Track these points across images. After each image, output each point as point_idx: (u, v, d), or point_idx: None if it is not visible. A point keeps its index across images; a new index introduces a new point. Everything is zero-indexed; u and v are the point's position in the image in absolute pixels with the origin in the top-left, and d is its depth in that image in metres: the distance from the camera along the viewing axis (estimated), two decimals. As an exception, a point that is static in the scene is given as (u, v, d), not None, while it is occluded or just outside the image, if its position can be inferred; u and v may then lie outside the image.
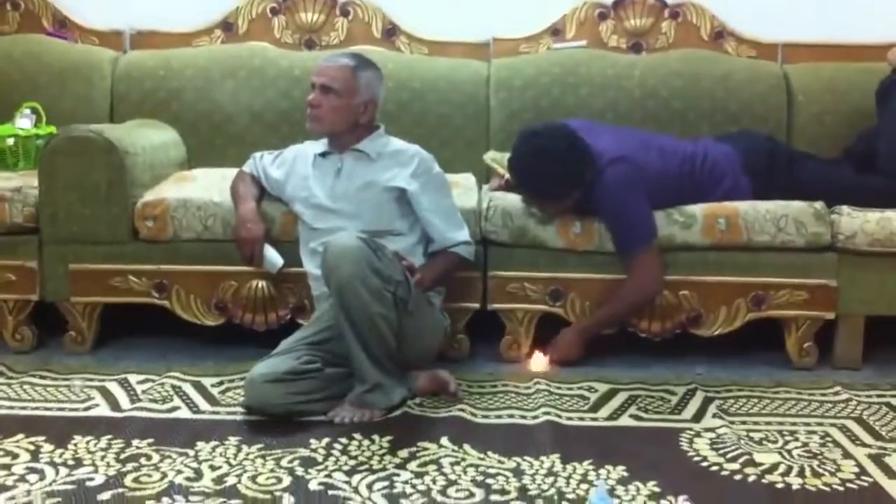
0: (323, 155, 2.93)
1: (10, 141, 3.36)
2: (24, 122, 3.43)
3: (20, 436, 2.44)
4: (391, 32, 3.88)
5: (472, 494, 2.19)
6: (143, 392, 2.76)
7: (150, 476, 2.25)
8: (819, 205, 3.05)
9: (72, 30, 3.92)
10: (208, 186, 3.15)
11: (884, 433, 2.56)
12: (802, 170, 3.20)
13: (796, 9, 3.82)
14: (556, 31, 3.88)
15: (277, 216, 3.00)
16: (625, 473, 2.29)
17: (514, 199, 3.07)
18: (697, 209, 3.04)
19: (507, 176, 3.13)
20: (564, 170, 2.95)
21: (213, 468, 2.29)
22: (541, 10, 3.88)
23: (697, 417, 2.65)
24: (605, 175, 2.97)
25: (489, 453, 2.39)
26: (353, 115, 2.86)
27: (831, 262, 3.04)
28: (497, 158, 3.29)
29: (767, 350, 3.14)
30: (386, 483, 2.24)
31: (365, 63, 2.92)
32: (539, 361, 3.04)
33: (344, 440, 2.45)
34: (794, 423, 2.62)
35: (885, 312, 3.08)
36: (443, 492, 2.20)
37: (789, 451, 2.44)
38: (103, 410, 2.64)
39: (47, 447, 2.38)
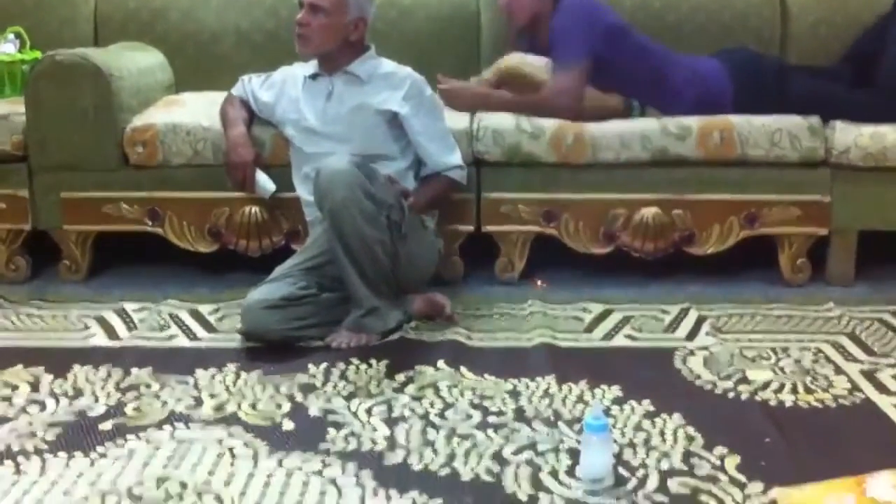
0: (313, 77, 2.89)
1: (-4, 70, 3.31)
2: (7, 48, 3.37)
3: (19, 366, 2.46)
4: (379, -53, 3.79)
5: (469, 416, 2.22)
6: (140, 320, 2.77)
7: (150, 405, 2.27)
8: (814, 119, 3.03)
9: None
10: (197, 111, 3.12)
11: (876, 349, 2.59)
12: (794, 84, 3.17)
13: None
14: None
15: (267, 139, 2.98)
16: (619, 393, 2.32)
17: (505, 118, 3.04)
18: (692, 121, 3.02)
19: (500, 64, 3.14)
20: None
21: (212, 396, 2.32)
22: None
23: (691, 336, 2.68)
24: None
25: (485, 375, 2.42)
26: (342, 34, 2.81)
27: (824, 178, 3.04)
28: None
29: (761, 268, 3.15)
30: (384, 407, 2.27)
31: (354, -20, 2.85)
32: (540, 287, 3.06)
33: (342, 365, 2.48)
34: (786, 340, 2.65)
35: (878, 227, 3.09)
36: (441, 414, 2.23)
37: (782, 368, 2.47)
38: (101, 340, 2.65)
39: (47, 377, 2.40)
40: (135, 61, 3.28)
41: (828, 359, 2.52)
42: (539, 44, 3.17)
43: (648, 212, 3.03)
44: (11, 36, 3.39)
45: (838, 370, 2.45)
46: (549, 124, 3.01)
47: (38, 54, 3.31)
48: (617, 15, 3.19)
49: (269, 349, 2.55)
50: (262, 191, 2.90)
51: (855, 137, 3.00)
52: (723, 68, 3.16)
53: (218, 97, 3.09)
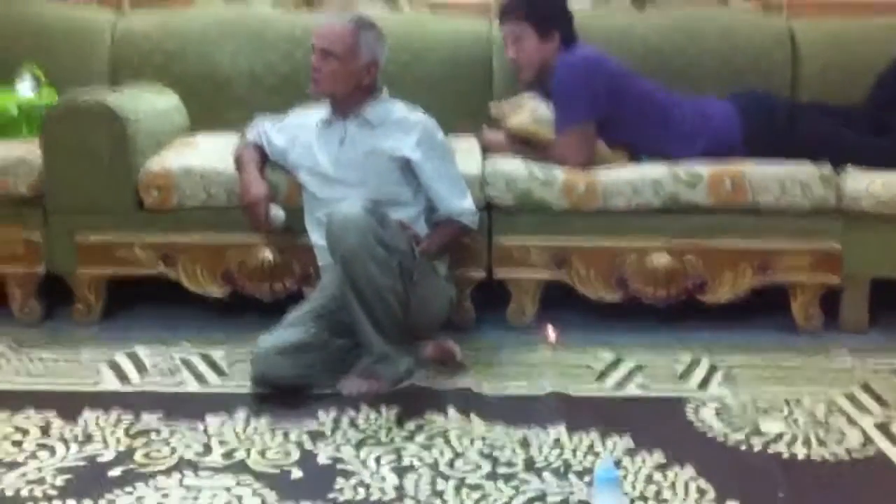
0: (326, 122, 2.91)
1: (14, 111, 3.32)
2: (24, 87, 3.39)
3: (30, 411, 2.47)
4: (392, -9, 3.83)
5: (479, 467, 2.22)
6: (152, 365, 2.77)
7: (159, 451, 2.28)
8: (826, 167, 3.02)
9: (70, -9, 3.87)
10: (211, 153, 3.13)
11: (889, 400, 2.57)
12: (806, 126, 3.16)
13: (801, -38, 3.76)
14: (560, -12, 3.82)
15: (281, 183, 2.99)
16: (631, 444, 2.32)
17: (516, 164, 3.06)
18: (703, 169, 3.02)
19: (510, 122, 3.15)
20: (555, 4, 3.22)
21: (221, 443, 2.32)
22: (545, -33, 3.81)
23: (703, 386, 2.67)
24: (567, 52, 3.12)
25: (496, 424, 2.41)
26: (354, 78, 2.83)
27: (836, 226, 3.03)
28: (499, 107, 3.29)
29: (773, 315, 3.14)
30: (394, 456, 2.26)
31: (366, 24, 2.88)
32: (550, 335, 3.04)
33: (352, 412, 2.48)
34: (799, 391, 2.63)
35: (891, 275, 3.08)
36: (450, 464, 2.23)
37: (795, 420, 2.46)
38: (112, 384, 2.66)
39: (57, 422, 2.41)
40: (151, 103, 3.31)
41: (841, 411, 2.51)
42: (550, 91, 3.17)
43: (660, 258, 3.02)
44: (27, 75, 3.41)
45: (851, 422, 2.44)
46: (560, 172, 3.02)
47: (54, 96, 3.34)
48: (619, 65, 3.19)
49: (279, 395, 2.55)
50: (274, 220, 2.89)
51: (867, 185, 3.00)
52: (733, 109, 3.17)
53: (232, 138, 3.12)
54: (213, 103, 3.57)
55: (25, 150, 3.07)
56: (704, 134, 3.14)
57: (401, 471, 2.20)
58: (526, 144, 3.12)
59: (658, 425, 2.44)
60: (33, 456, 2.24)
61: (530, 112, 3.13)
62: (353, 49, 2.81)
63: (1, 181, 3.00)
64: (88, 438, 2.33)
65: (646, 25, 3.62)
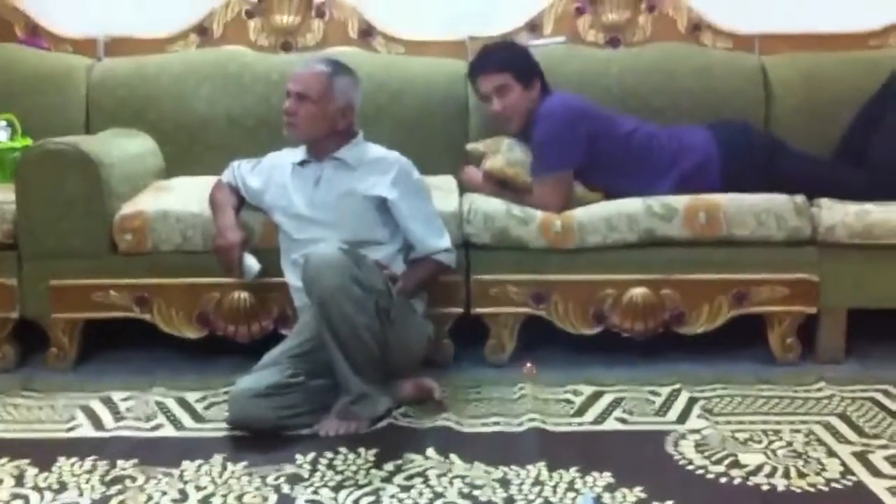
0: (301, 164, 2.92)
1: (-14, 155, 3.33)
2: (-1, 135, 3.40)
3: (4, 459, 2.43)
4: (367, 33, 3.86)
5: (458, 507, 2.20)
6: (127, 409, 2.74)
7: (135, 499, 2.24)
8: (800, 198, 3.05)
9: (44, 37, 3.88)
10: (186, 197, 3.13)
11: (867, 430, 2.57)
12: (784, 159, 3.20)
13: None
14: (533, 27, 3.87)
15: (257, 225, 2.99)
16: (611, 480, 2.30)
17: (494, 202, 3.07)
18: (678, 202, 3.04)
19: (486, 165, 3.15)
20: (518, 51, 3.30)
21: (198, 488, 2.29)
22: (518, 6, 3.86)
23: (682, 418, 2.66)
24: (547, 100, 3.18)
25: (476, 463, 2.39)
26: (329, 121, 2.85)
27: (811, 257, 3.05)
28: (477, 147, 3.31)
29: (750, 346, 3.15)
30: (373, 498, 2.24)
31: (340, 69, 2.90)
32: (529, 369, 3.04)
33: (329, 454, 2.45)
34: (778, 422, 2.63)
35: (867, 305, 3.09)
36: (429, 505, 2.21)
37: (774, 451, 2.45)
38: (87, 430, 2.62)
39: (32, 470, 2.37)
40: (125, 148, 3.31)
41: (820, 441, 2.50)
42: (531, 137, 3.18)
43: (637, 292, 3.03)
44: (3, 123, 3.43)
45: (830, 453, 2.44)
46: (537, 210, 3.04)
47: (28, 142, 3.34)
48: (598, 111, 3.22)
49: (256, 438, 2.52)
50: (248, 273, 2.88)
51: (842, 216, 3.02)
52: (711, 138, 3.20)
53: (208, 182, 3.11)
54: (189, 147, 3.58)
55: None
56: (681, 165, 3.16)
57: (380, 513, 2.18)
58: (502, 186, 3.13)
59: (638, 459, 2.43)
60: (7, 505, 2.22)
61: (506, 154, 3.15)
62: (327, 93, 2.82)
63: (-26, 227, 2.99)
64: (63, 486, 2.29)
65: (620, 65, 3.66)
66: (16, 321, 3.07)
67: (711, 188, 3.12)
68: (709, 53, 3.77)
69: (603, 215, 3.02)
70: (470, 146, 3.35)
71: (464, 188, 3.24)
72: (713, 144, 3.19)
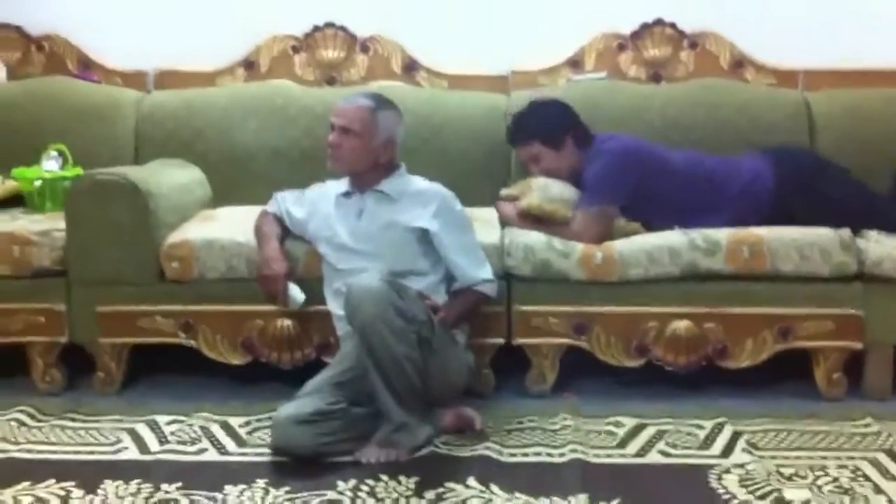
0: (345, 195, 2.95)
1: (38, 183, 3.40)
2: (50, 165, 3.47)
3: (51, 481, 2.46)
4: (411, 67, 3.92)
5: (499, 537, 2.19)
6: (172, 433, 2.77)
7: (179, 521, 2.26)
8: (845, 233, 3.02)
9: (96, 71, 3.98)
10: (232, 226, 3.17)
11: (915, 467, 2.53)
12: (836, 184, 3.19)
13: (816, 35, 3.82)
14: (574, 63, 3.91)
15: (301, 255, 3.02)
16: (653, 513, 2.28)
17: (535, 235, 3.07)
18: (721, 236, 3.02)
19: (522, 204, 3.16)
20: (544, 115, 3.28)
21: (241, 513, 2.30)
22: (559, 42, 3.90)
23: (726, 453, 2.63)
24: (603, 140, 3.22)
25: (516, 493, 2.39)
26: (372, 155, 2.88)
27: (857, 292, 3.02)
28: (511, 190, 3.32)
29: (796, 381, 3.11)
30: (413, 526, 2.24)
31: (383, 103, 2.94)
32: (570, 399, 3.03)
33: (371, 481, 2.46)
34: (824, 457, 2.60)
35: (913, 341, 3.06)
36: (470, 534, 2.20)
37: (819, 487, 2.42)
38: (132, 453, 2.65)
39: (77, 493, 2.40)
40: (173, 178, 3.37)
41: (867, 477, 2.47)
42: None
43: (680, 325, 3.02)
44: (54, 153, 3.50)
45: (878, 489, 2.40)
46: (578, 244, 3.04)
47: (79, 171, 3.41)
48: (655, 151, 3.24)
49: (298, 464, 2.54)
50: (292, 302, 2.92)
51: (889, 250, 2.99)
52: (764, 158, 3.23)
53: (253, 212, 3.15)
54: (235, 178, 3.63)
55: (50, 225, 3.13)
56: (729, 199, 3.16)
57: (420, 541, 2.18)
58: (539, 222, 3.13)
59: (681, 493, 2.41)
60: (52, 526, 2.24)
61: (542, 192, 3.16)
62: (371, 127, 2.86)
63: (26, 253, 3.05)
64: (108, 509, 2.33)
65: (663, 98, 3.67)
66: (64, 345, 3.12)
67: (765, 204, 3.13)
68: (751, 88, 3.77)
69: (645, 248, 3.02)
70: (504, 192, 3.34)
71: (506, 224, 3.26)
72: (764, 163, 3.21)
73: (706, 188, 3.18)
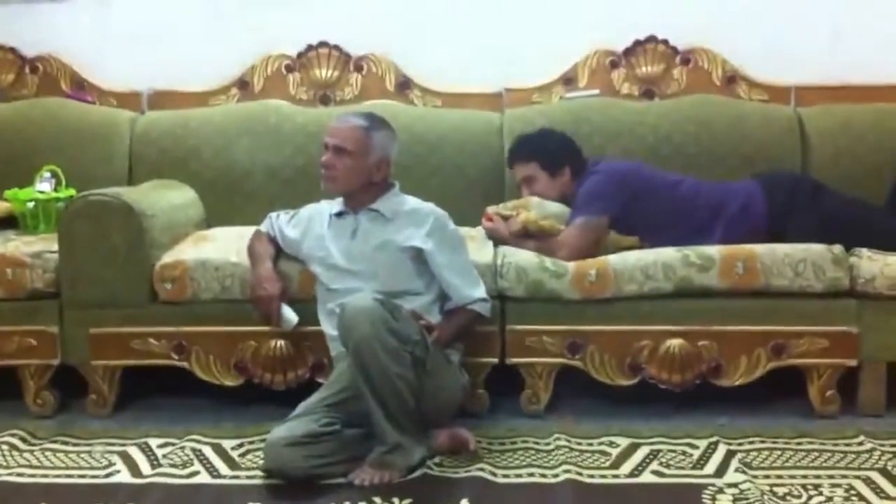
0: (338, 215, 2.95)
1: (31, 204, 3.40)
2: (44, 186, 3.48)
3: (42, 504, 2.46)
4: (404, 85, 3.92)
5: (493, 559, 2.18)
6: (164, 456, 2.76)
7: (170, 546, 2.25)
8: (837, 248, 3.02)
9: (90, 91, 3.98)
10: (226, 246, 3.17)
11: (909, 485, 2.52)
12: (828, 203, 3.20)
13: (808, 51, 3.82)
14: (568, 80, 3.91)
15: (295, 275, 3.02)
16: (647, 533, 2.27)
17: (527, 255, 3.07)
18: (715, 252, 3.02)
19: (520, 218, 3.16)
20: (550, 140, 3.33)
21: (233, 536, 2.29)
22: (553, 59, 3.90)
23: (720, 472, 2.62)
24: (601, 162, 3.28)
25: (510, 515, 2.38)
26: (366, 174, 2.88)
27: (851, 309, 3.02)
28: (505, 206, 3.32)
29: (790, 398, 3.11)
30: (407, 548, 2.23)
31: (377, 122, 2.94)
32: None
33: (364, 503, 2.44)
34: (818, 476, 2.59)
35: (908, 358, 3.05)
36: (464, 557, 2.19)
37: (813, 507, 2.41)
38: (124, 477, 2.64)
39: (69, 517, 2.40)
40: (166, 199, 3.37)
41: (860, 496, 2.46)
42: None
43: (674, 343, 3.01)
44: (48, 174, 3.51)
45: (871, 509, 2.39)
46: (571, 263, 3.03)
47: (72, 192, 3.41)
48: (645, 173, 3.28)
49: (291, 486, 2.53)
50: (286, 323, 2.92)
51: (881, 266, 2.99)
52: (755, 182, 3.26)
53: (247, 232, 3.16)
54: (230, 197, 3.64)
55: (42, 247, 3.13)
56: (725, 213, 3.19)
57: (413, 564, 2.17)
58: (529, 238, 3.14)
59: (675, 513, 2.40)
60: (43, 551, 2.23)
61: (538, 208, 3.17)
62: (364, 147, 2.86)
63: (18, 275, 3.05)
64: (99, 533, 2.32)
65: (656, 115, 3.69)
66: (56, 368, 3.11)
67: (758, 227, 3.16)
68: (744, 104, 3.78)
69: (639, 264, 3.02)
70: (494, 210, 3.31)
71: (492, 239, 3.25)
72: (757, 186, 3.24)
73: (699, 213, 3.20)
